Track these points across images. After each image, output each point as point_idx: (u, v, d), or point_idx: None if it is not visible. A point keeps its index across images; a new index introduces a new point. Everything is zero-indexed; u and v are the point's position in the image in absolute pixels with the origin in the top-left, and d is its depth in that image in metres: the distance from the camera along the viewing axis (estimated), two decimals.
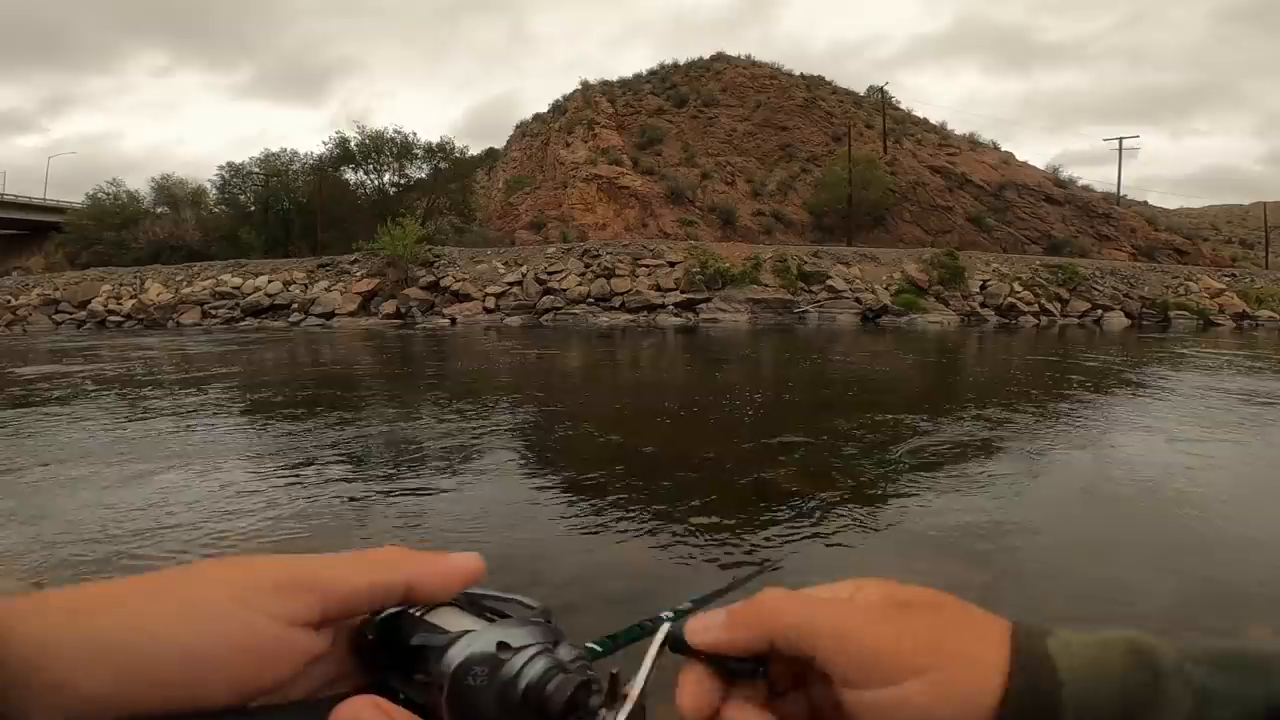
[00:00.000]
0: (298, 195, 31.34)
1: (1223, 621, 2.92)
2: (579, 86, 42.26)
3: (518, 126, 47.88)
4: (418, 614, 0.32)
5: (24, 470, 5.20)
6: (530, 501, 4.53)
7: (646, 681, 0.32)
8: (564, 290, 20.74)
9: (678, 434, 6.64)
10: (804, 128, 40.00)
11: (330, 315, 20.26)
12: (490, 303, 20.52)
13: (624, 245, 23.56)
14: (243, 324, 19.99)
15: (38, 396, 8.44)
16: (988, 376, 11.20)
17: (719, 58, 45.15)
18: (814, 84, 44.73)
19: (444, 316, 20.00)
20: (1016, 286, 22.02)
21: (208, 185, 33.06)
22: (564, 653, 0.32)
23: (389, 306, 20.52)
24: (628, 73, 45.98)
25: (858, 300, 20.98)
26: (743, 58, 45.24)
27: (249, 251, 27.30)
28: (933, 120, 44.41)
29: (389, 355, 13.48)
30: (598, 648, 0.36)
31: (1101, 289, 22.70)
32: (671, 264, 21.75)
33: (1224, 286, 23.37)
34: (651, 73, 45.29)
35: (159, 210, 32.78)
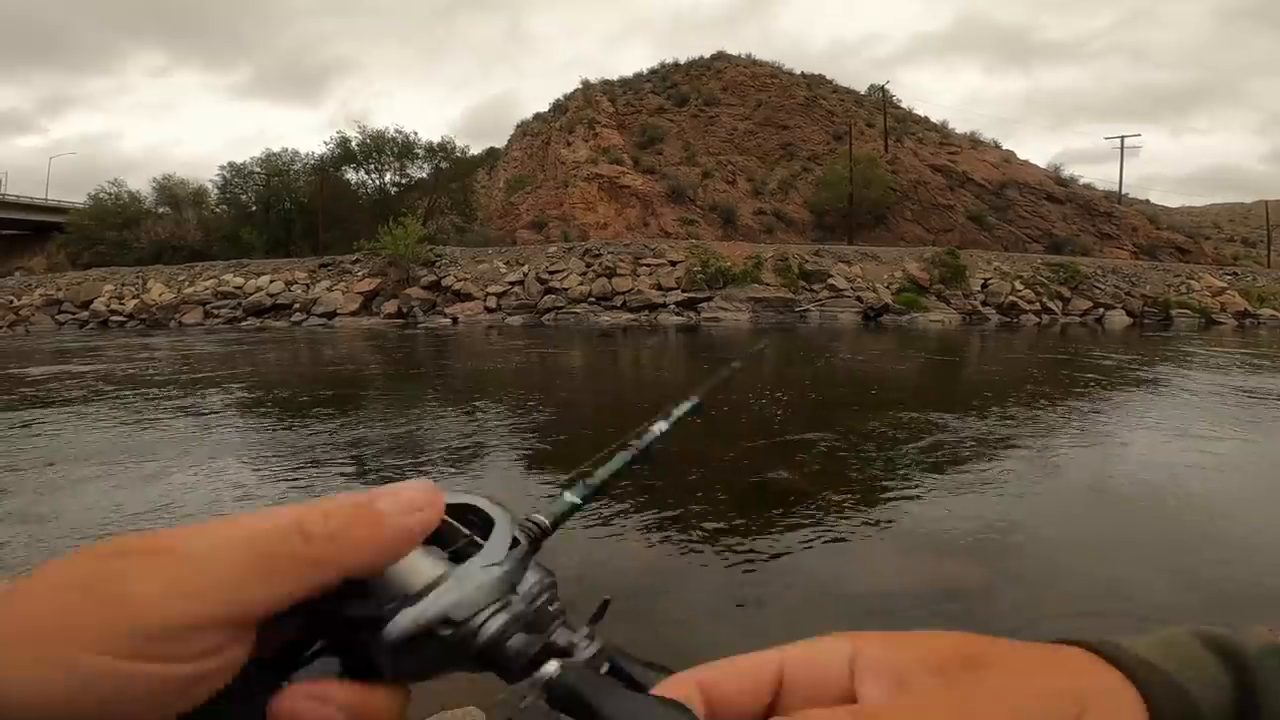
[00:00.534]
0: (299, 195, 31.38)
1: (1223, 618, 2.94)
2: (580, 86, 42.30)
3: (518, 126, 47.94)
4: None
5: (31, 470, 5.23)
6: (535, 499, 4.56)
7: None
8: (565, 290, 20.76)
9: (680, 432, 6.66)
10: (805, 127, 40.00)
11: (332, 315, 20.29)
12: (492, 302, 20.55)
13: (625, 244, 23.58)
14: (245, 324, 20.02)
15: (47, 396, 8.47)
16: (992, 375, 11.22)
17: (720, 57, 45.16)
18: (815, 83, 44.73)
19: (445, 316, 20.03)
20: (1018, 285, 22.02)
21: (209, 185, 33.14)
22: (523, 592, 0.29)
23: (390, 306, 20.55)
24: (626, 71, 46.09)
25: (859, 299, 20.98)
26: (743, 56, 45.27)
27: (251, 251, 27.34)
28: (934, 119, 44.41)
29: (391, 355, 13.51)
30: (543, 520, 0.34)
31: (1103, 287, 22.70)
32: (673, 263, 21.77)
33: (1226, 285, 23.36)
34: (652, 72, 45.32)
35: (161, 210, 32.83)
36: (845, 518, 4.14)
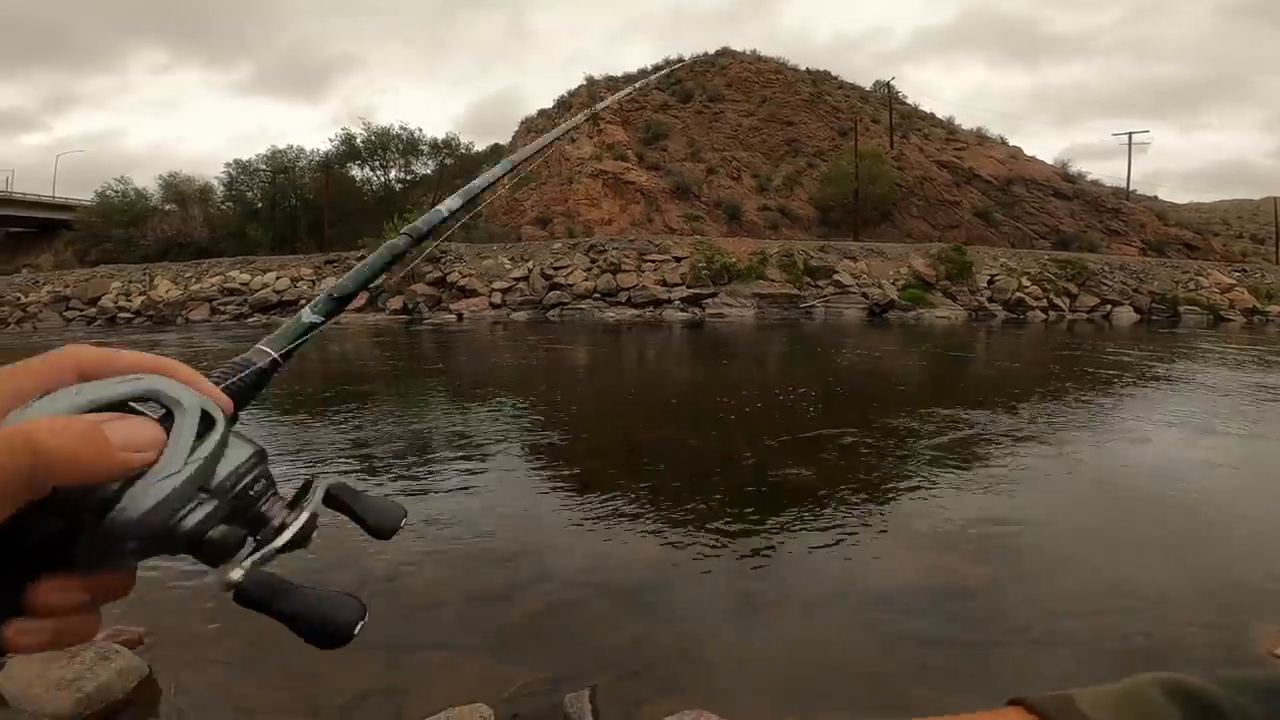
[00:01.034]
0: (304, 192, 31.46)
1: (1228, 618, 2.90)
2: (584, 82, 42.22)
3: (522, 122, 47.84)
4: None
5: None
6: (541, 495, 4.53)
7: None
8: (570, 285, 20.74)
9: (686, 429, 6.63)
10: (810, 123, 39.84)
11: None
12: (497, 298, 20.54)
13: (630, 240, 23.54)
14: (251, 320, 20.06)
15: None
16: (1001, 372, 11.15)
17: (724, 53, 44.99)
18: (820, 79, 44.52)
19: (451, 312, 20.03)
20: (1025, 281, 21.90)
21: (215, 182, 33.22)
22: (216, 485, 0.30)
23: (396, 302, 20.56)
24: (628, 67, 45.96)
25: (864, 295, 20.90)
26: (748, 53, 45.10)
27: (256, 248, 27.41)
28: (940, 115, 44.18)
29: (397, 351, 13.51)
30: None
31: (1110, 284, 22.56)
32: (677, 259, 21.72)
33: (1234, 282, 23.19)
34: (656, 68, 45.18)
35: (167, 207, 32.92)
36: (855, 514, 4.11)
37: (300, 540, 0.33)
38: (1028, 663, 2.58)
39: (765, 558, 3.51)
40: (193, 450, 0.29)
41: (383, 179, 32.74)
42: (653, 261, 21.70)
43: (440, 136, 33.27)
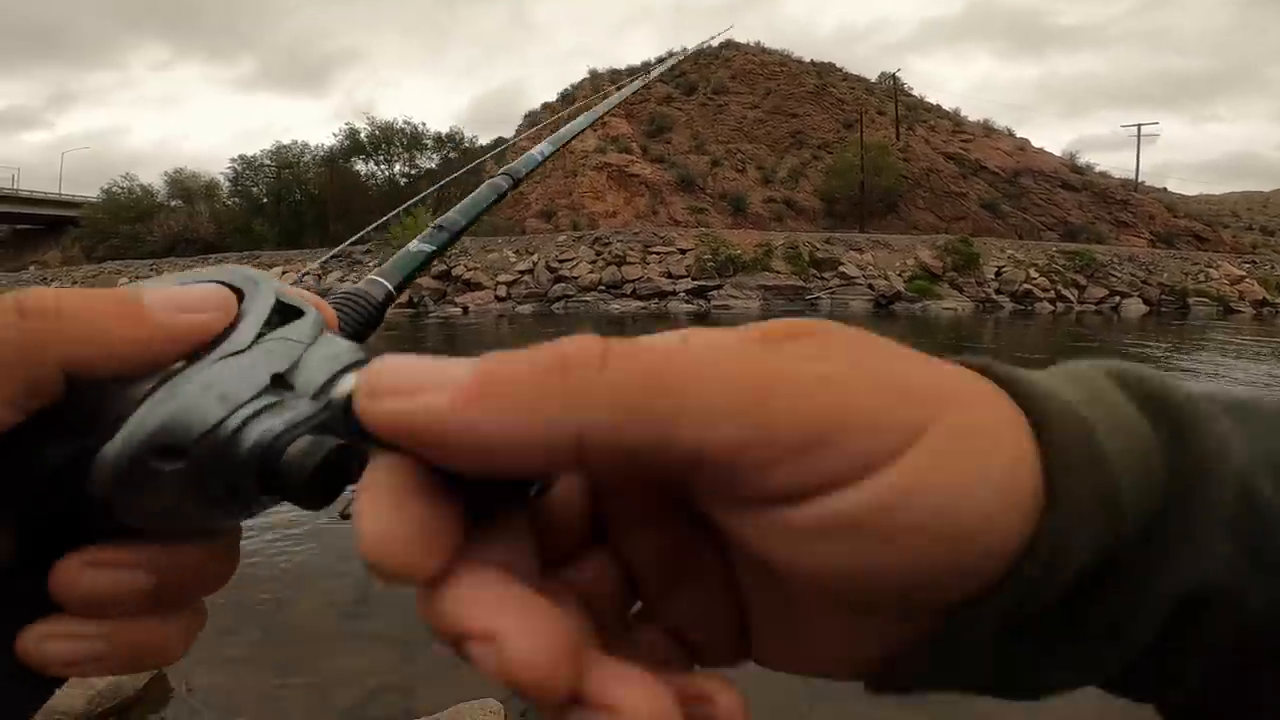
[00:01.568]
0: (309, 187, 31.48)
1: None
2: (587, 75, 42.12)
3: (526, 116, 47.82)
4: None
5: None
6: None
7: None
8: (575, 278, 20.72)
9: None
10: (815, 115, 39.66)
11: None
12: (502, 291, 20.54)
13: (634, 233, 23.50)
14: None
15: None
16: (1010, 363, 11.08)
17: (728, 45, 44.77)
18: (824, 71, 44.29)
19: (456, 305, 20.05)
20: (1032, 273, 21.77)
21: (220, 178, 33.28)
22: (301, 384, 0.21)
23: (402, 296, 20.57)
24: (632, 59, 45.78)
25: (871, 287, 20.82)
26: (752, 45, 44.88)
27: (262, 243, 27.47)
28: (946, 107, 43.89)
29: (405, 345, 13.52)
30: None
31: (1119, 275, 22.41)
32: (682, 251, 21.68)
33: (1244, 273, 23.00)
34: (660, 60, 45.03)
35: (173, 204, 33.01)
36: None
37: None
38: None
39: None
40: (264, 333, 0.21)
41: (387, 173, 32.73)
42: (657, 254, 21.66)
43: (444, 130, 33.19)
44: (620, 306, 19.70)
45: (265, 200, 31.44)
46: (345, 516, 0.20)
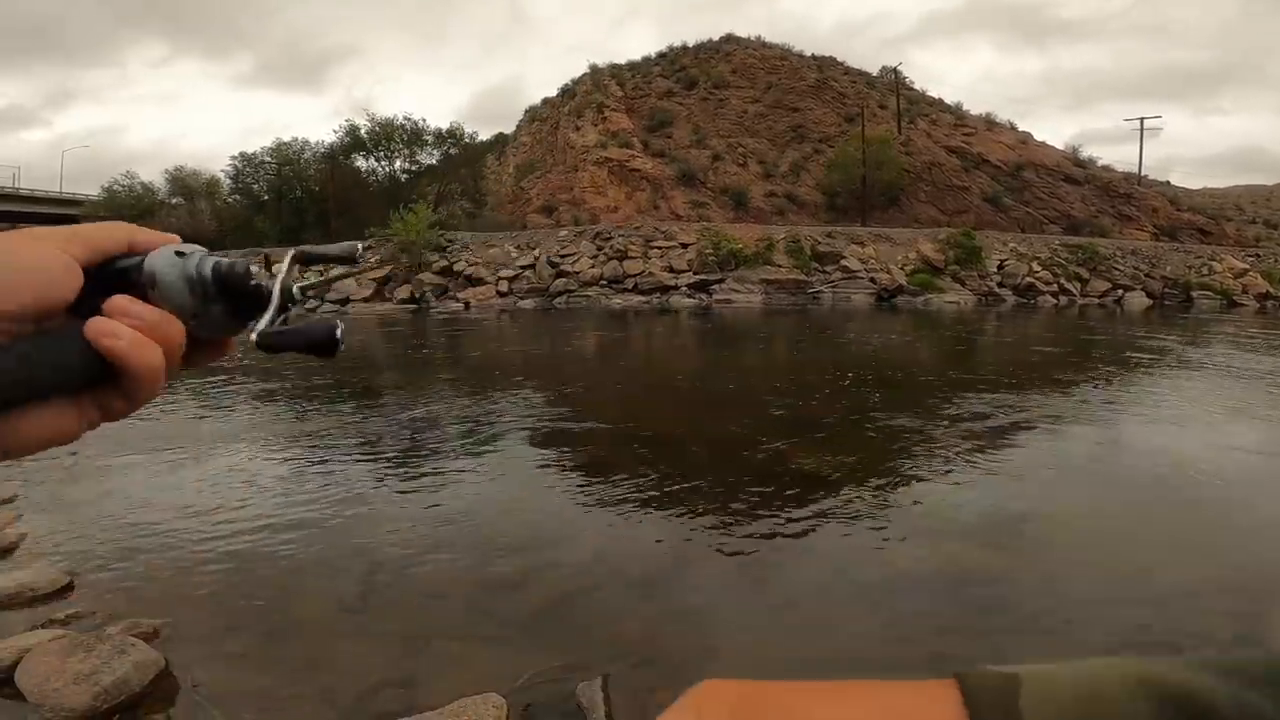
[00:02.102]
0: (310, 184, 31.43)
1: (1244, 605, 2.87)
2: (588, 70, 41.95)
3: (527, 111, 47.73)
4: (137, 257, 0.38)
5: (51, 459, 5.26)
6: (549, 485, 4.53)
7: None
8: (576, 273, 20.70)
9: (696, 415, 6.62)
10: (816, 109, 39.50)
11: (345, 301, 20.35)
12: (503, 286, 20.53)
13: (636, 228, 23.46)
14: None
15: None
16: (1015, 356, 11.06)
17: (728, 39, 44.60)
18: (825, 65, 44.09)
19: (458, 300, 20.04)
20: (1035, 266, 21.70)
21: (221, 176, 33.24)
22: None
23: (403, 291, 20.58)
24: (631, 54, 45.66)
25: (873, 280, 20.78)
26: (753, 38, 44.68)
27: (264, 240, 27.45)
28: (948, 100, 43.70)
29: (406, 340, 13.53)
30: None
31: (1122, 269, 22.33)
32: (684, 246, 21.64)
33: (1247, 266, 22.92)
34: (660, 55, 44.81)
35: (174, 201, 32.99)
36: (867, 501, 4.09)
37: (287, 299, 0.41)
38: (1043, 651, 2.56)
39: (777, 545, 3.49)
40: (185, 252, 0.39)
41: (388, 170, 32.68)
42: (659, 248, 21.62)
43: (444, 126, 33.09)
44: (622, 301, 19.68)
45: (266, 197, 31.40)
46: (253, 344, 0.39)
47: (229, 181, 32.65)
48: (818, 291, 20.54)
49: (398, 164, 32.71)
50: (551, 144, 39.73)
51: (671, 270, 20.80)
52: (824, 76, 41.79)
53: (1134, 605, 2.88)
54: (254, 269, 0.40)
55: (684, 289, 20.19)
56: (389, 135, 31.91)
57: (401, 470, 4.73)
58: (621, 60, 43.78)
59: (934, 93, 44.48)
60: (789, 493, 4.19)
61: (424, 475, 4.61)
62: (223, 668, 2.46)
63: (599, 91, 38.62)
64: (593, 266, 20.91)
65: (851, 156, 32.55)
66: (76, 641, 2.43)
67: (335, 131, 34.71)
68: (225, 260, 0.39)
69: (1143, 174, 38.56)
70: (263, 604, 2.89)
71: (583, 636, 2.67)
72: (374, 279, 21.05)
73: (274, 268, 0.42)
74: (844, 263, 21.29)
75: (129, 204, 31.55)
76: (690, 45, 44.77)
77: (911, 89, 43.17)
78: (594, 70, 41.67)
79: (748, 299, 19.89)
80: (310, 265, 0.48)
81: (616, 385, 8.53)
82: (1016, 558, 3.38)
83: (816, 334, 13.72)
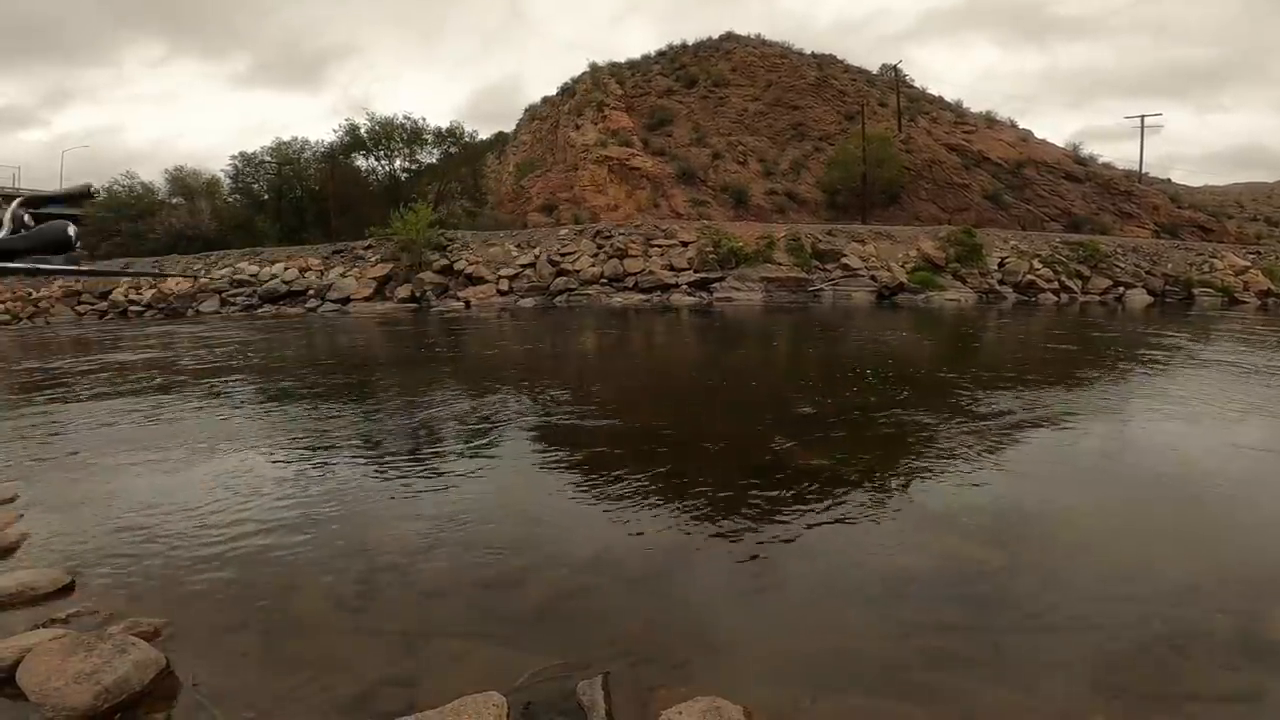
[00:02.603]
0: (310, 183, 31.41)
1: (1245, 604, 2.87)
2: (587, 69, 41.89)
3: (526, 110, 47.66)
4: None
5: (57, 458, 5.27)
6: (550, 483, 4.53)
7: None
8: (577, 271, 20.70)
9: (697, 413, 6.62)
10: (816, 107, 39.45)
11: (346, 300, 20.36)
12: (504, 285, 20.54)
13: (636, 226, 23.45)
14: (260, 311, 20.14)
15: (75, 384, 8.55)
16: (1013, 353, 11.05)
17: (728, 37, 44.50)
18: (825, 63, 44.00)
19: (458, 299, 20.05)
20: (1036, 264, 21.69)
21: (221, 175, 33.20)
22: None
23: (404, 291, 20.59)
24: (630, 51, 45.61)
25: (873, 278, 20.77)
26: (752, 37, 44.60)
27: (264, 240, 27.44)
28: (948, 98, 43.60)
29: (406, 339, 13.53)
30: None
31: (1123, 266, 22.31)
32: (684, 244, 21.63)
33: (1249, 264, 22.88)
34: (660, 54, 44.75)
35: (174, 201, 32.95)
36: (869, 499, 4.09)
37: (19, 225, 0.48)
38: (1043, 649, 2.56)
39: (778, 543, 3.49)
40: None
41: (388, 169, 32.62)
42: (659, 246, 21.61)
43: (444, 125, 33.02)
44: (622, 299, 19.68)
45: (266, 197, 31.38)
46: None
47: (229, 181, 32.64)
48: (818, 289, 20.53)
49: (398, 163, 32.67)
50: (552, 143, 39.71)
51: (672, 268, 20.80)
52: (824, 74, 41.72)
53: (1136, 603, 2.87)
54: None
55: (684, 287, 20.19)
56: (389, 134, 31.86)
57: (402, 469, 4.73)
58: (620, 58, 43.72)
59: (934, 90, 44.38)
60: (791, 490, 4.19)
61: (425, 474, 4.61)
62: (224, 667, 2.46)
63: (599, 90, 38.58)
64: (593, 265, 20.91)
65: (852, 154, 32.51)
66: (77, 641, 2.43)
67: (335, 131, 34.70)
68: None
69: (1143, 171, 38.51)
70: (264, 603, 2.90)
71: (583, 635, 2.67)
72: (374, 278, 21.06)
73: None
74: (844, 260, 21.27)
75: (129, 203, 31.53)
76: (690, 44, 44.72)
77: (912, 87, 43.09)
78: (594, 69, 41.61)
79: (748, 297, 19.89)
80: (43, 206, 0.60)
81: (617, 383, 8.53)
82: (1020, 555, 3.37)
83: (817, 332, 13.71)
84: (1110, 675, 2.39)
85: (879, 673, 2.46)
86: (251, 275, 22.08)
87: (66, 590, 3.00)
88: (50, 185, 45.51)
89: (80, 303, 22.15)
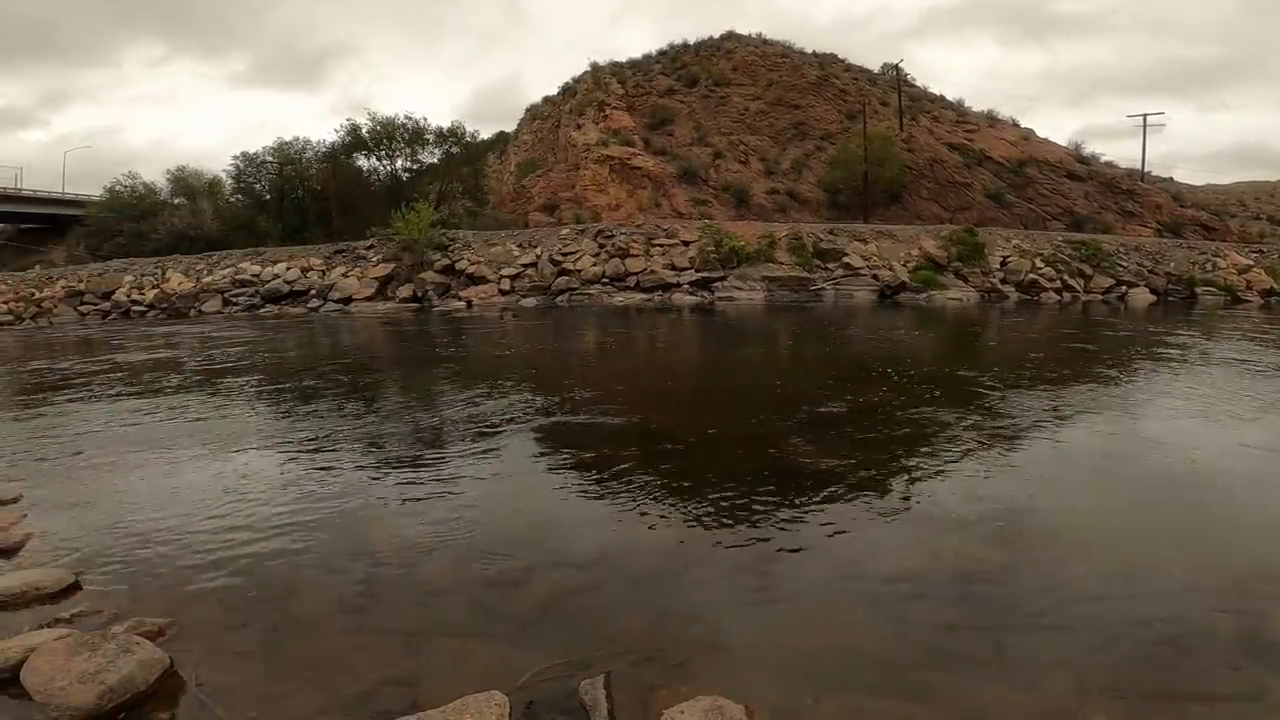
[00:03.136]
0: (312, 183, 31.45)
1: (1248, 603, 2.87)
2: (588, 68, 41.87)
3: (528, 110, 47.64)
4: None
5: (60, 458, 5.28)
6: (554, 482, 4.54)
7: None
8: (578, 271, 20.70)
9: (697, 412, 6.62)
10: (817, 106, 39.40)
11: (348, 300, 20.38)
12: (505, 284, 20.54)
13: (637, 225, 23.44)
14: (263, 311, 20.17)
15: (82, 385, 8.56)
16: (1016, 353, 11.03)
17: (729, 37, 44.45)
18: (826, 62, 43.94)
19: (460, 299, 20.05)
20: (1038, 263, 21.65)
21: (223, 175, 33.25)
22: None
23: (405, 290, 20.61)
24: (628, 50, 45.56)
25: (875, 277, 20.75)
26: (753, 36, 44.55)
27: (266, 240, 27.47)
28: (949, 97, 43.52)
29: (408, 339, 13.55)
30: None
31: (1126, 265, 22.27)
32: (686, 243, 21.63)
33: (1251, 263, 22.84)
34: (661, 53, 44.73)
35: (176, 201, 32.99)
36: (870, 498, 4.09)
37: None
38: (1044, 648, 2.56)
39: (779, 542, 3.50)
40: None
41: (389, 169, 32.66)
42: (661, 246, 21.61)
43: (445, 125, 33.06)
44: (624, 299, 19.68)
45: (268, 197, 31.43)
46: None
47: (231, 181, 32.69)
48: (820, 289, 20.51)
49: (399, 163, 32.71)
50: (553, 142, 39.70)
51: (673, 268, 20.79)
52: (825, 74, 41.67)
53: (1138, 601, 2.87)
54: None
55: (686, 286, 20.18)
56: (390, 134, 31.89)
57: (404, 469, 4.74)
58: (619, 57, 43.69)
59: (935, 89, 44.29)
60: (792, 489, 4.19)
61: (426, 474, 4.62)
62: (227, 666, 2.47)
63: (600, 90, 38.56)
64: (594, 264, 20.91)
65: (853, 154, 32.47)
66: (82, 640, 2.44)
67: (336, 131, 34.75)
68: None
69: (1146, 170, 38.44)
70: (267, 603, 2.91)
71: (585, 634, 2.67)
72: (376, 278, 21.09)
73: None
74: (846, 260, 21.25)
75: (131, 204, 31.59)
76: (691, 43, 44.67)
77: (913, 86, 43.02)
78: (595, 68, 41.59)
79: (750, 296, 19.88)
80: None
81: (619, 383, 8.53)
82: (1020, 553, 3.37)
83: (819, 331, 13.70)
84: (1112, 674, 2.39)
85: (881, 672, 2.47)
86: (254, 275, 22.11)
87: (71, 590, 3.01)
88: (52, 186, 45.57)
89: (83, 303, 22.20)
